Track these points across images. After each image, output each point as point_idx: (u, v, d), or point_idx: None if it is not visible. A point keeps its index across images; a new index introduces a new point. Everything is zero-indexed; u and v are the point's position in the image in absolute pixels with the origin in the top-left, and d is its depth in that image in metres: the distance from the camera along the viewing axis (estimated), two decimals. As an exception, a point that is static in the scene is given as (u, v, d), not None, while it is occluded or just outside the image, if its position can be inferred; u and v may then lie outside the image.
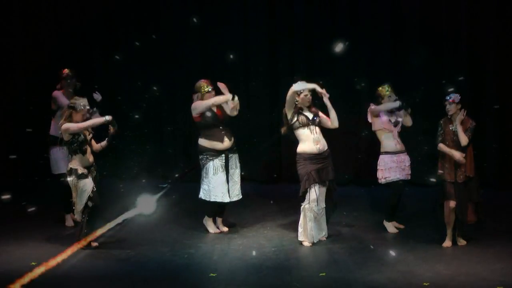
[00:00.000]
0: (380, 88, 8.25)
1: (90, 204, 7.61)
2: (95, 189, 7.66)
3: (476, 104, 9.62)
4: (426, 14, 9.98)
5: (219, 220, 8.48)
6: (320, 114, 7.83)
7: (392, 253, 7.42)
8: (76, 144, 7.60)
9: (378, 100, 8.25)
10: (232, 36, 10.51)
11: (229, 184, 8.22)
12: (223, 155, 8.17)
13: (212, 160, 8.14)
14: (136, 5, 10.80)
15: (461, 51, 9.91)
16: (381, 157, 8.22)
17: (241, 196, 8.35)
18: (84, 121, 7.59)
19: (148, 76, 10.62)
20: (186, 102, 8.45)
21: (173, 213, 9.24)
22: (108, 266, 7.27)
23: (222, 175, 8.16)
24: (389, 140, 8.19)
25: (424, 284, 6.54)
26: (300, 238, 7.81)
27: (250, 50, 10.60)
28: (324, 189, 7.76)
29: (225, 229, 8.47)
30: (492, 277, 6.68)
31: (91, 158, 7.74)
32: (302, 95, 7.71)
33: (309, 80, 7.76)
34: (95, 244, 7.80)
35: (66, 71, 8.77)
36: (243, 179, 8.44)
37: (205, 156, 8.17)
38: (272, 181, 10.68)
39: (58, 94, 8.70)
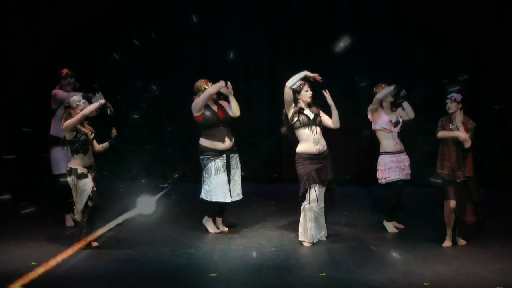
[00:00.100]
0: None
1: (90, 204, 7.62)
2: (95, 189, 7.67)
3: (476, 104, 9.62)
4: (426, 14, 9.96)
5: (219, 220, 8.48)
6: (321, 113, 7.83)
7: (392, 253, 7.42)
8: (78, 144, 7.62)
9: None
10: (232, 36, 10.49)
11: (231, 184, 8.21)
12: (224, 155, 8.16)
13: (214, 160, 8.13)
14: (136, 5, 10.79)
15: (461, 51, 9.89)
16: (381, 157, 8.22)
17: (241, 196, 8.35)
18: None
19: (148, 76, 10.60)
20: (186, 102, 8.45)
21: (173, 213, 9.24)
22: (108, 266, 7.27)
23: (223, 175, 8.16)
24: (389, 141, 8.19)
25: (424, 284, 6.53)
26: (300, 238, 7.81)
27: (250, 50, 10.59)
28: (323, 189, 7.76)
29: (225, 229, 8.47)
30: (492, 277, 6.67)
31: (91, 158, 7.77)
32: (302, 92, 7.69)
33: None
34: (95, 244, 7.80)
35: (65, 70, 8.77)
36: (243, 179, 8.43)
37: (206, 156, 8.17)
38: (273, 181, 10.67)
39: (57, 90, 8.72)
